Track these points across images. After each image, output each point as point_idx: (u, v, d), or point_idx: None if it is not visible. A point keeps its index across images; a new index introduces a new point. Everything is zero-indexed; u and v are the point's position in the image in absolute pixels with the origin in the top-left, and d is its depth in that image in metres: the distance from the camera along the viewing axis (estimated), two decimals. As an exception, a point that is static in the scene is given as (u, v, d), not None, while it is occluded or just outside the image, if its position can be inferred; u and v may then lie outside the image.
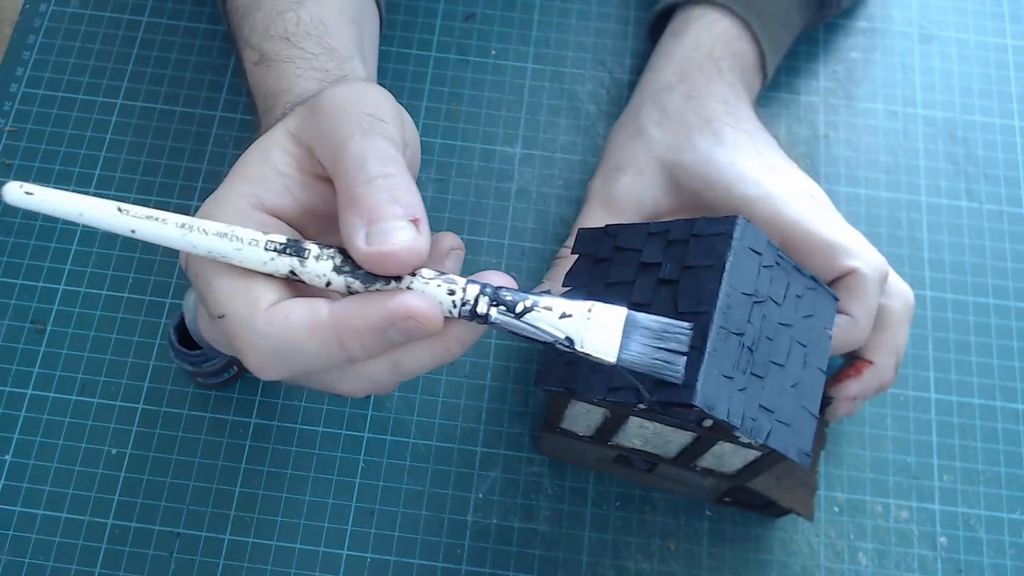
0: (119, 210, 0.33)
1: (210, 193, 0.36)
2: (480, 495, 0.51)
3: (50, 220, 0.56)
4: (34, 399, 0.52)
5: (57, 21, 0.62)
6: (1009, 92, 0.63)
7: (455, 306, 0.32)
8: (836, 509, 0.52)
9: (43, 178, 0.57)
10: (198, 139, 0.59)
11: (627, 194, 0.51)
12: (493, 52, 0.63)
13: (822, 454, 0.52)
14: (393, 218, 0.31)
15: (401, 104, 0.37)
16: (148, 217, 0.33)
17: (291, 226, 0.35)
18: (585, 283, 0.44)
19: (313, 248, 0.33)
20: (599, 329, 0.32)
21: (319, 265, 0.33)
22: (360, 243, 0.31)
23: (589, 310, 0.32)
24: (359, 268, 0.32)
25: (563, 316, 0.32)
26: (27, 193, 0.32)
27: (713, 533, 0.51)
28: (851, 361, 0.48)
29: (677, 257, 0.40)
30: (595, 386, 0.40)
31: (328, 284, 0.33)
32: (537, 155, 0.60)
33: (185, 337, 0.49)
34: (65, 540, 0.49)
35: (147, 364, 0.53)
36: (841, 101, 0.62)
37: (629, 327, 0.32)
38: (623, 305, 0.33)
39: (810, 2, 0.58)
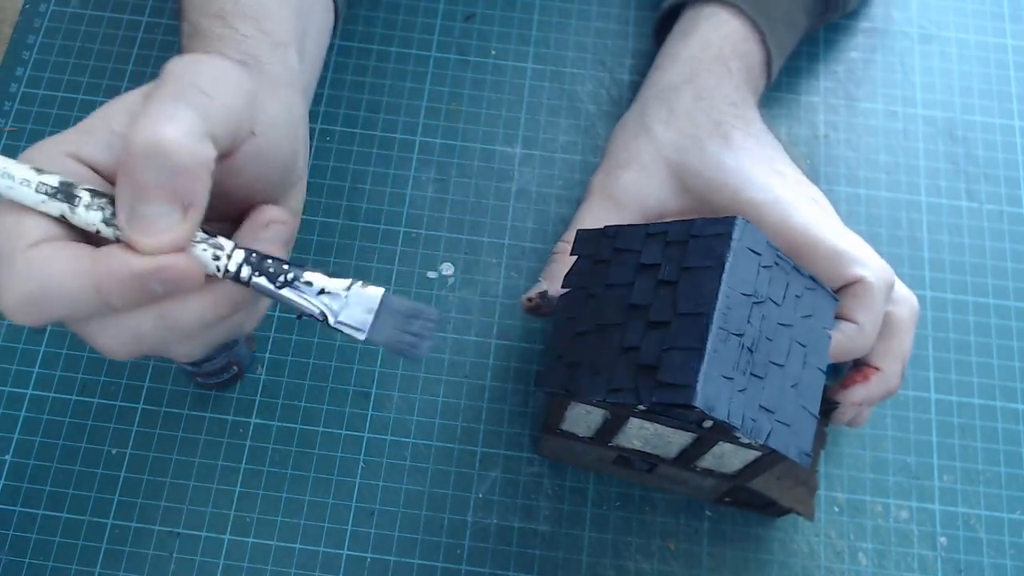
0: None
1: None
2: (480, 495, 0.51)
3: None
4: (34, 399, 0.52)
5: (57, 21, 0.62)
6: (1009, 92, 0.63)
7: (219, 270, 0.33)
8: (836, 509, 0.52)
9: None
10: (198, 139, 0.58)
11: (630, 190, 0.51)
12: (493, 52, 0.63)
13: (822, 454, 0.52)
14: (159, 202, 0.31)
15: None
16: None
17: (107, 180, 0.34)
18: (584, 284, 0.44)
19: (84, 196, 0.32)
20: (353, 306, 0.34)
21: (89, 214, 0.32)
22: (123, 220, 0.31)
23: (347, 288, 0.34)
24: None
25: (321, 292, 0.34)
26: None
27: (713, 533, 0.51)
28: (858, 367, 0.48)
29: (676, 258, 0.40)
30: (595, 388, 0.40)
31: (97, 232, 0.32)
32: (537, 155, 0.60)
33: (185, 337, 0.49)
34: (65, 540, 0.49)
35: (147, 364, 0.53)
36: (841, 101, 0.62)
37: (382, 307, 0.34)
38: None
39: (815, 5, 0.58)
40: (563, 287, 0.45)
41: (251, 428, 0.52)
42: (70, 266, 0.31)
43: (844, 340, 0.45)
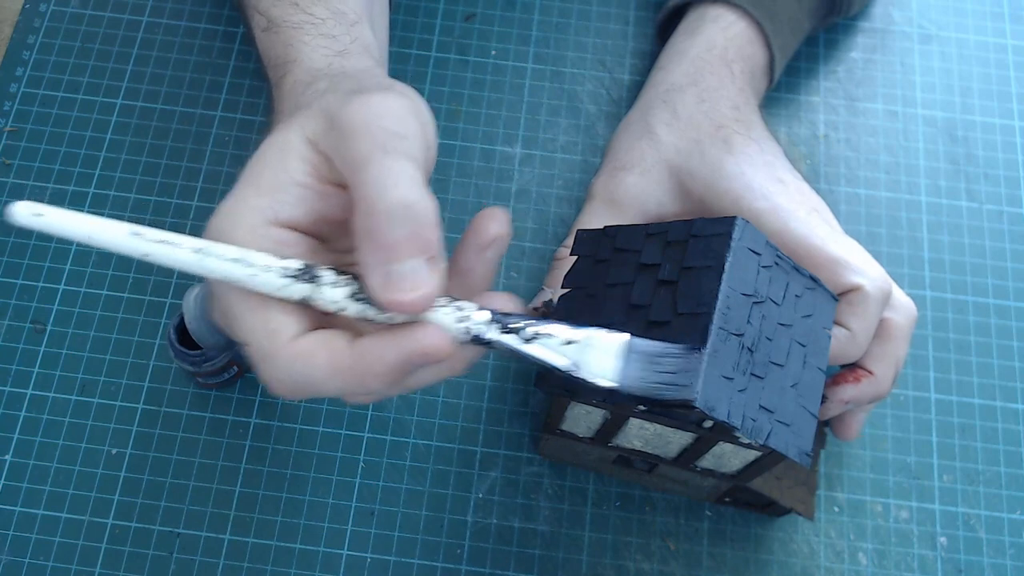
0: (132, 234, 0.32)
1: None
2: (480, 495, 0.51)
3: (50, 220, 0.56)
4: (34, 399, 0.52)
5: (57, 21, 0.62)
6: (1009, 92, 0.63)
7: (464, 333, 0.33)
8: (836, 509, 0.52)
9: (43, 178, 0.57)
10: (198, 139, 0.59)
11: (632, 194, 0.51)
12: (493, 52, 0.63)
13: (822, 454, 0.52)
14: (410, 258, 0.31)
15: None
16: (161, 241, 0.32)
17: (307, 234, 0.35)
18: (584, 284, 0.44)
19: (327, 275, 0.33)
20: (600, 355, 0.33)
21: (333, 292, 0.33)
22: (376, 284, 0.31)
23: (589, 336, 0.33)
24: None
25: (566, 343, 0.33)
26: (36, 215, 0.31)
27: (713, 533, 0.51)
28: (851, 367, 0.48)
29: (676, 258, 0.40)
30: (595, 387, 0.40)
31: (342, 310, 0.33)
32: (537, 155, 0.60)
33: (185, 337, 0.49)
34: (65, 540, 0.49)
35: (147, 364, 0.53)
36: (841, 101, 0.62)
37: (629, 352, 0.33)
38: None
39: (818, 9, 0.58)
40: (563, 287, 0.45)
41: (251, 428, 0.52)
42: (331, 364, 0.32)
43: (835, 345, 0.45)
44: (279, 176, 0.34)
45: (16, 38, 0.61)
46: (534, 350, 0.33)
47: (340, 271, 0.33)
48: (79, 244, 0.52)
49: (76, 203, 0.56)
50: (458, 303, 0.33)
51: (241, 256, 0.32)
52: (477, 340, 0.33)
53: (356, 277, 0.33)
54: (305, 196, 0.34)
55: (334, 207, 0.35)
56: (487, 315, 0.33)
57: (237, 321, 0.33)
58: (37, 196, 0.56)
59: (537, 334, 0.33)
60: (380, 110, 0.34)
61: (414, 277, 0.31)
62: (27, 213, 0.31)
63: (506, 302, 0.34)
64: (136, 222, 0.32)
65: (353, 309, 0.33)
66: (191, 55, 0.61)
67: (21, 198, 0.56)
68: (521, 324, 0.33)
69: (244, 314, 0.33)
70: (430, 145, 0.36)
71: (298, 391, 0.33)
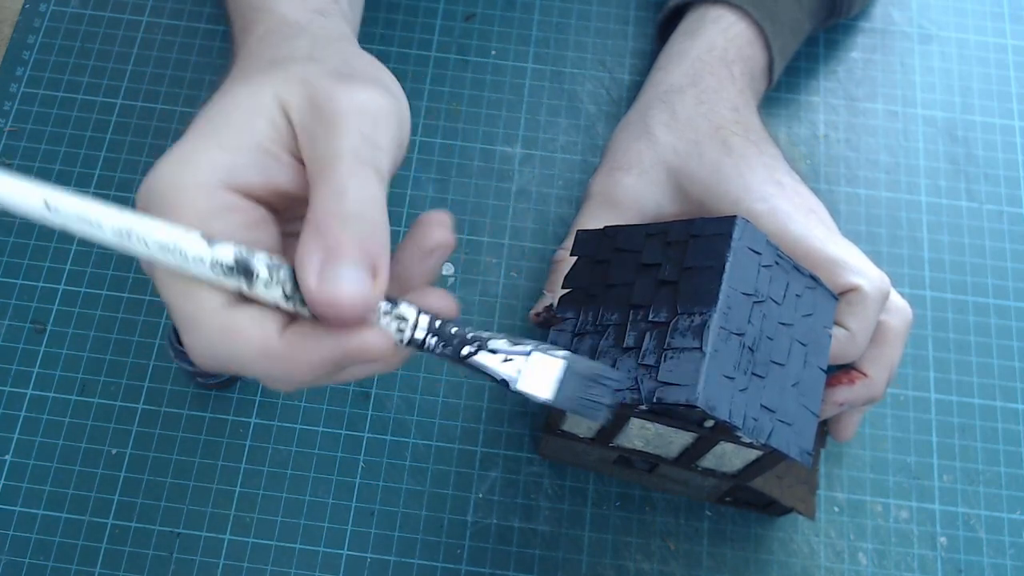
0: (47, 206, 0.29)
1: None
2: (480, 495, 0.51)
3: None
4: (34, 399, 0.52)
5: (57, 21, 0.62)
6: (1009, 92, 0.63)
7: (403, 340, 0.32)
8: (836, 509, 0.52)
9: (43, 178, 0.57)
10: (198, 139, 0.58)
11: (629, 194, 0.51)
12: (493, 52, 0.63)
13: (822, 453, 0.52)
14: (352, 262, 0.29)
15: None
16: (80, 219, 0.29)
17: (257, 201, 0.33)
18: (584, 285, 0.44)
19: (263, 271, 0.31)
20: (537, 371, 0.33)
21: (268, 291, 0.31)
22: (310, 281, 0.29)
23: (529, 353, 0.33)
24: None
25: (505, 360, 0.33)
26: None
27: (713, 533, 0.51)
28: (846, 369, 0.48)
29: (676, 258, 0.40)
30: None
31: (276, 305, 0.31)
32: (537, 155, 0.60)
33: (185, 337, 0.49)
34: (65, 540, 0.49)
35: (147, 364, 0.53)
36: (841, 101, 0.62)
37: (567, 374, 0.33)
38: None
39: (819, 11, 0.58)
40: (563, 288, 0.45)
41: (251, 428, 0.52)
42: (260, 347, 0.30)
43: (834, 345, 0.45)
44: (244, 136, 0.32)
45: (16, 38, 0.61)
46: (471, 363, 0.32)
47: (276, 264, 0.31)
48: None
49: (76, 203, 0.56)
50: (398, 309, 0.32)
51: (170, 245, 0.30)
52: (416, 346, 0.32)
53: (293, 275, 0.31)
54: (266, 163, 0.32)
55: (291, 180, 0.33)
56: (427, 321, 0.32)
57: (160, 281, 0.31)
58: (37, 196, 0.56)
59: (475, 351, 0.32)
60: (365, 106, 0.32)
61: (353, 285, 0.29)
62: None
63: (440, 299, 0.33)
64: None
65: (286, 307, 0.31)
66: (191, 55, 0.61)
67: (21, 198, 0.56)
68: (461, 337, 0.32)
69: (168, 277, 0.31)
70: (403, 144, 0.34)
71: (220, 366, 0.31)
